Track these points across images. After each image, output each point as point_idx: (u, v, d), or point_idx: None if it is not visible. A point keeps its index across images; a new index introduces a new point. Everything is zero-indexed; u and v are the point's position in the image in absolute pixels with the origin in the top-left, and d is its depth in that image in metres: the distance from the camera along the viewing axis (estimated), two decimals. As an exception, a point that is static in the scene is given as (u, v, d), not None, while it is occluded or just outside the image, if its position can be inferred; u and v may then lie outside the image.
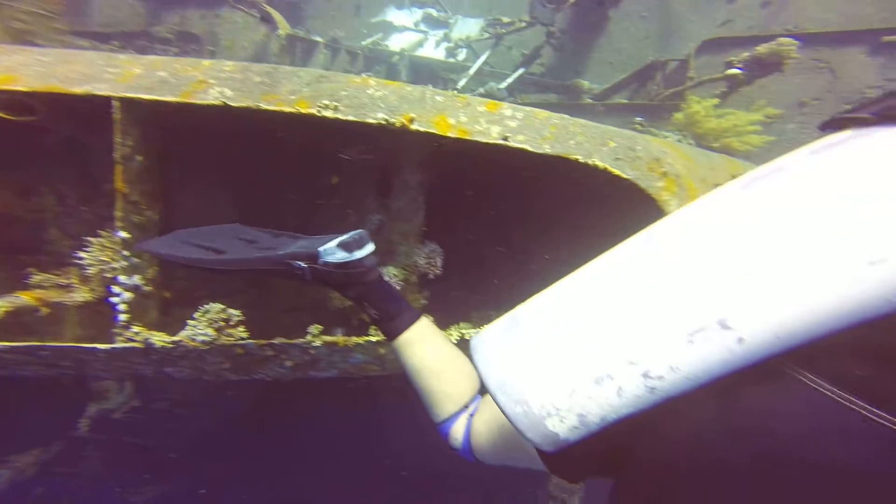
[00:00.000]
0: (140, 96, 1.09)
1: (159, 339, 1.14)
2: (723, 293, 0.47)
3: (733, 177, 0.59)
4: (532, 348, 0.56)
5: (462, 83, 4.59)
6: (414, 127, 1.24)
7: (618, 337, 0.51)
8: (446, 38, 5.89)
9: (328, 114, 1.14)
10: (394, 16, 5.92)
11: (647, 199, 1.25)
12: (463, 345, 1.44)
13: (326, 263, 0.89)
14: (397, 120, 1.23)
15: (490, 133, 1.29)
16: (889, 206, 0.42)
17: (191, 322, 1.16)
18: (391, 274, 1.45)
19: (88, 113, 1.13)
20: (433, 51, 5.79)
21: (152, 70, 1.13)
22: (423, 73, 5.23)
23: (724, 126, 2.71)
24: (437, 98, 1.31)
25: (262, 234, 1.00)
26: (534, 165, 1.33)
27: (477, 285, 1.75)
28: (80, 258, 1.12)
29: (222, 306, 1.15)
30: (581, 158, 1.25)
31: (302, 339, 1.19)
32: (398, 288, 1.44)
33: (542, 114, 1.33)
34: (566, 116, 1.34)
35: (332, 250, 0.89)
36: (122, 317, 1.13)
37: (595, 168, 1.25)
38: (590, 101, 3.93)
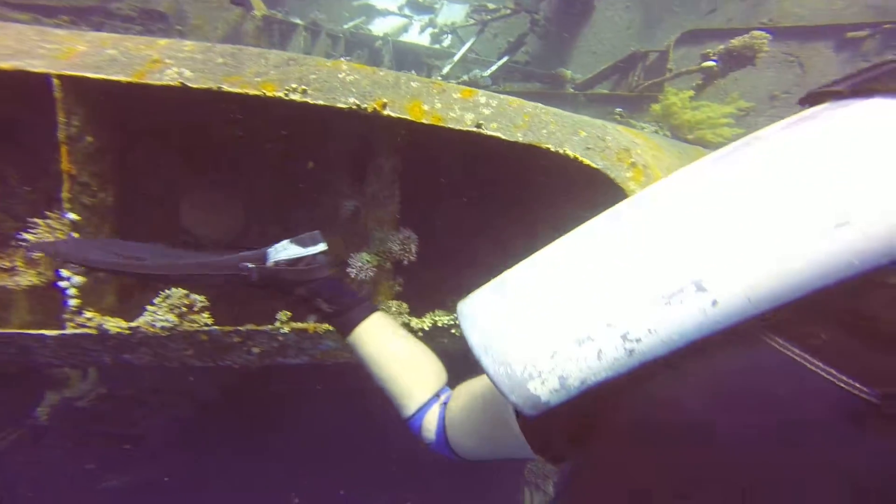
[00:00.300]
0: (84, 74, 1.03)
1: (114, 325, 1.11)
2: (699, 256, 0.48)
3: None
4: (516, 311, 0.57)
5: (446, 70, 4.54)
6: (386, 112, 1.23)
7: (598, 300, 0.52)
8: (431, 23, 5.80)
9: (296, 97, 1.12)
10: (377, -2, 5.78)
11: (616, 188, 1.27)
12: (436, 332, 1.46)
13: (277, 262, 0.87)
14: (369, 105, 1.21)
15: (464, 120, 1.28)
16: (853, 171, 0.44)
17: (150, 307, 1.13)
18: (364, 260, 1.44)
19: (24, 91, 1.07)
20: (417, 36, 5.70)
21: (100, 47, 1.08)
22: (408, 59, 5.15)
23: (699, 118, 2.77)
24: (412, 84, 1.30)
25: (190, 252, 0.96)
26: (507, 153, 1.33)
27: (453, 272, 1.76)
28: (25, 240, 1.07)
29: (185, 291, 1.12)
30: (552, 147, 1.26)
31: (270, 326, 1.18)
32: (371, 274, 1.44)
33: (516, 102, 1.33)
34: (540, 105, 1.34)
35: (283, 247, 0.88)
36: (73, 302, 1.10)
37: (566, 157, 1.26)
38: (572, 90, 3.94)
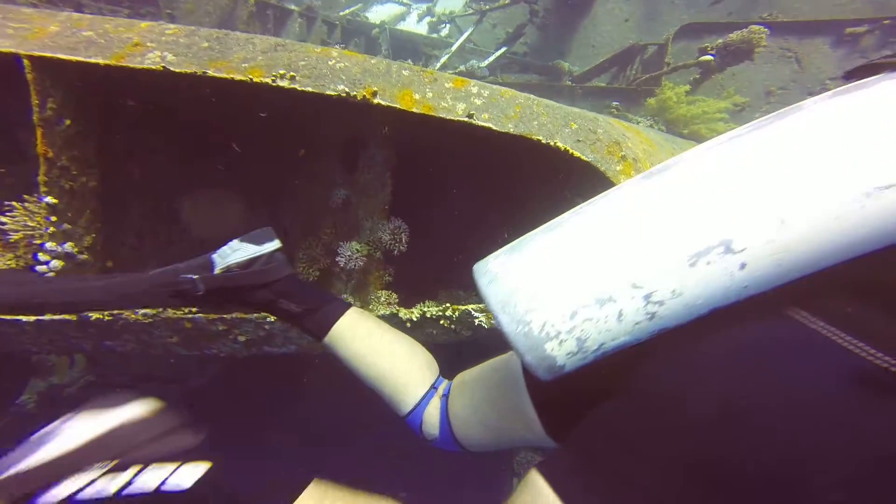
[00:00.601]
0: (57, 56, 1.01)
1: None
2: (729, 214, 0.46)
3: None
4: (537, 269, 0.54)
5: (444, 59, 4.49)
6: (376, 101, 1.21)
7: (622, 258, 0.50)
8: (429, 11, 5.71)
9: (283, 84, 1.10)
10: (374, -15, 5.69)
11: (607, 181, 1.27)
12: (425, 322, 1.46)
13: (227, 267, 0.74)
14: (359, 93, 1.20)
15: (455, 110, 1.27)
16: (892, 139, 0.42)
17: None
18: (354, 249, 1.44)
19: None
20: (415, 25, 5.63)
21: (74, 28, 1.05)
22: (405, 47, 5.08)
23: (694, 113, 2.76)
24: (404, 72, 1.28)
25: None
26: (499, 145, 1.33)
27: (443, 264, 1.76)
28: (2, 223, 1.05)
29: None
30: (543, 139, 1.25)
31: (256, 315, 1.18)
32: (361, 264, 1.44)
33: (508, 93, 1.32)
34: (532, 96, 1.33)
35: (232, 248, 0.75)
36: None
37: (556, 149, 1.26)
38: (569, 83, 3.92)
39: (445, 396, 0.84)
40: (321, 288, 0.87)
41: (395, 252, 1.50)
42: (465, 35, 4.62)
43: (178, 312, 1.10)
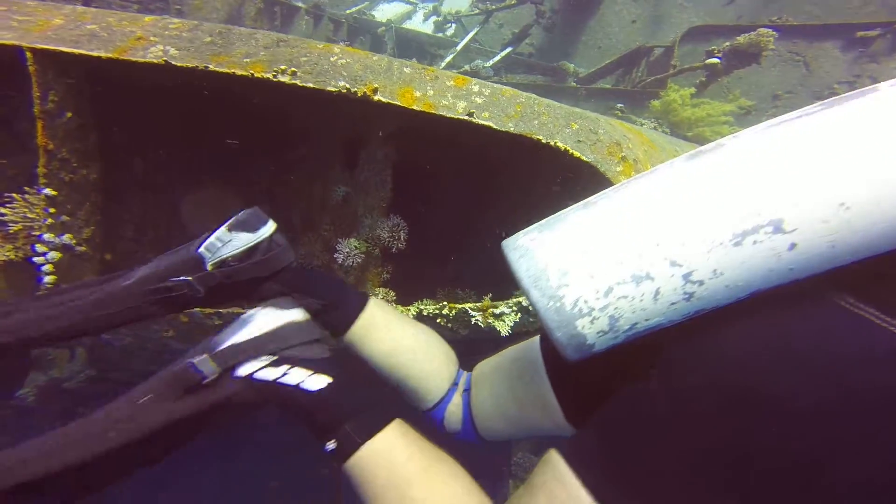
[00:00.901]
0: (61, 49, 1.01)
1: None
2: (782, 193, 0.43)
3: None
4: (571, 244, 0.52)
5: (448, 59, 4.49)
6: (377, 98, 1.21)
7: (663, 235, 0.47)
8: (435, 11, 5.71)
9: (285, 79, 1.10)
10: (381, -16, 5.71)
11: (607, 182, 1.26)
12: (422, 320, 1.46)
13: (222, 261, 0.65)
14: (359, 89, 1.20)
15: (456, 108, 1.27)
16: None
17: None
18: (353, 246, 1.44)
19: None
20: (421, 24, 5.63)
21: (78, 21, 1.06)
22: (411, 46, 5.09)
23: (699, 115, 2.74)
24: (405, 69, 1.28)
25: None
26: (500, 143, 1.32)
27: (442, 262, 1.76)
28: (2, 215, 1.05)
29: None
30: (543, 139, 1.25)
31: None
32: (359, 261, 1.44)
33: (509, 91, 1.31)
34: (533, 95, 1.33)
35: (221, 238, 0.64)
36: (48, 278, 1.08)
37: (556, 149, 1.25)
38: (574, 84, 3.90)
39: (467, 391, 0.83)
40: (331, 276, 0.81)
41: (394, 250, 1.50)
42: (471, 35, 4.62)
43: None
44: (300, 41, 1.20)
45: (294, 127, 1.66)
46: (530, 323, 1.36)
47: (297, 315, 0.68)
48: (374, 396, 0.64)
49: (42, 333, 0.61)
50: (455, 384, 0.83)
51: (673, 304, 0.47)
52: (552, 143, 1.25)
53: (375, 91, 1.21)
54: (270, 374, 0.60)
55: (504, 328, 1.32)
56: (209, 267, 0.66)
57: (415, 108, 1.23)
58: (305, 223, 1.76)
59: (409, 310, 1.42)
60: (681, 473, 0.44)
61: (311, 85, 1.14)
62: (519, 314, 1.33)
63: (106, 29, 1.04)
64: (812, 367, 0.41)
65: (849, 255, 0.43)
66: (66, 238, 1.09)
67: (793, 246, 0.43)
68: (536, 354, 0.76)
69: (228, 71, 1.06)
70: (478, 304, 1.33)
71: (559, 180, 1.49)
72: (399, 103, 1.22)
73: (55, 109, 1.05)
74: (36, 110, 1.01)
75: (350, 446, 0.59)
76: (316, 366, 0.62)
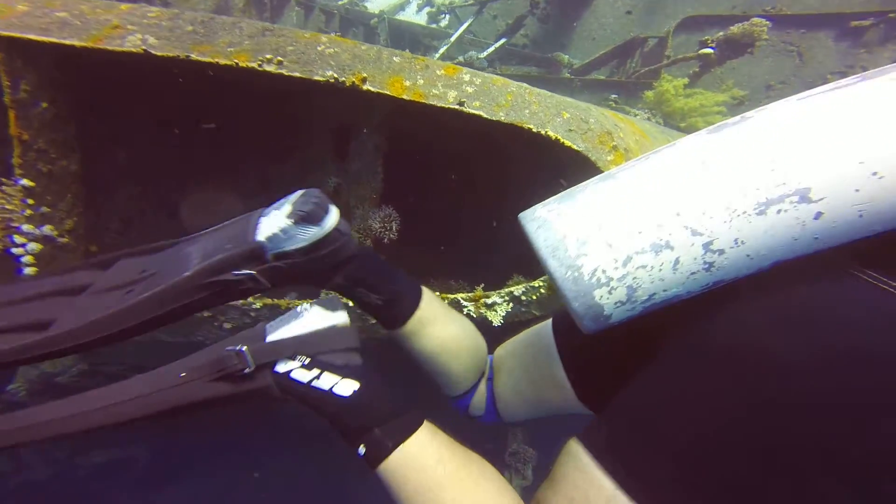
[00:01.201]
0: (26, 36, 0.98)
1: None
2: (811, 165, 0.42)
3: None
4: (590, 214, 0.51)
5: (443, 50, 4.44)
6: (366, 87, 1.20)
7: (684, 204, 0.47)
8: (429, 2, 5.65)
9: (270, 69, 1.09)
10: (374, -26, 5.62)
11: (597, 171, 1.26)
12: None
13: (285, 254, 0.62)
14: (347, 79, 1.18)
15: (446, 97, 1.26)
16: None
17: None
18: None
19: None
20: (415, 15, 5.57)
21: (46, 8, 1.02)
22: (404, 38, 5.03)
23: (691, 106, 2.74)
24: (395, 59, 1.26)
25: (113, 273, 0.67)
26: (491, 133, 1.32)
27: (434, 252, 1.75)
28: None
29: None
30: (534, 128, 1.24)
31: (242, 301, 1.18)
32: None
33: (500, 81, 1.30)
34: (524, 85, 1.32)
35: (284, 230, 0.61)
36: (28, 270, 1.07)
37: (547, 138, 1.24)
38: (568, 75, 3.88)
39: (490, 379, 0.87)
40: (392, 267, 0.75)
41: (385, 240, 1.49)
42: (465, 26, 4.57)
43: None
44: (287, 30, 1.19)
45: (284, 118, 1.64)
46: (522, 313, 1.36)
47: (341, 318, 0.66)
48: (399, 398, 0.63)
49: (94, 339, 0.59)
50: (483, 374, 0.85)
51: (693, 273, 0.46)
52: (543, 132, 1.24)
53: (364, 80, 1.20)
54: (304, 375, 0.61)
55: (496, 318, 1.32)
56: (270, 256, 0.62)
57: (405, 97, 1.22)
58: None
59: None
60: (701, 452, 0.43)
61: (297, 74, 1.13)
62: (511, 304, 1.34)
63: (79, 17, 1.01)
64: (834, 341, 0.40)
65: (878, 224, 0.42)
66: (47, 229, 1.07)
67: (819, 215, 0.42)
68: (550, 339, 0.77)
69: (211, 60, 1.04)
70: (470, 294, 1.34)
71: (552, 168, 1.49)
72: (388, 93, 1.20)
73: (28, 99, 1.02)
74: (7, 99, 0.98)
75: (381, 452, 0.59)
76: (344, 371, 0.62)
